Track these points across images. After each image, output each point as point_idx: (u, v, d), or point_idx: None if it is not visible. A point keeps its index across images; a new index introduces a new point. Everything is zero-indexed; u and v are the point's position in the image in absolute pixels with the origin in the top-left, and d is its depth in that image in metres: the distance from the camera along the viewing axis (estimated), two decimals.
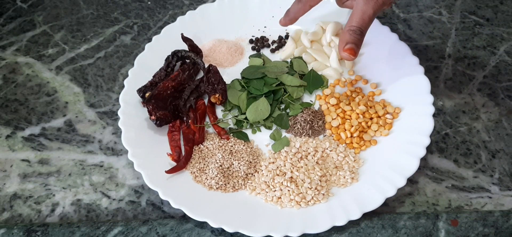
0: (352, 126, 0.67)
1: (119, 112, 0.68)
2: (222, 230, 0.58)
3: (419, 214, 0.60)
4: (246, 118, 0.69)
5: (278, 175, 0.63)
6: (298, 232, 0.57)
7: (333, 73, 0.74)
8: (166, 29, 0.78)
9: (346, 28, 0.59)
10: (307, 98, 0.73)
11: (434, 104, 0.66)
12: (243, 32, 0.81)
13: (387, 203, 0.60)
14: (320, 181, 0.62)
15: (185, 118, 0.68)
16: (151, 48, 0.76)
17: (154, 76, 0.72)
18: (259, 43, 0.79)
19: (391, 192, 0.59)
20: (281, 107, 0.71)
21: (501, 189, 0.63)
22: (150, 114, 0.66)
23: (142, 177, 0.61)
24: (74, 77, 0.77)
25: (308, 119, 0.68)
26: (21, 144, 0.69)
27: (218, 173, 0.63)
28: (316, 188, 0.61)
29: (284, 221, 0.58)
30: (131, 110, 0.69)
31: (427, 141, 0.63)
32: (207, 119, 0.70)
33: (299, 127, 0.68)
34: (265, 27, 0.81)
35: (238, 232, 0.57)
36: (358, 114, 0.68)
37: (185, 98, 0.70)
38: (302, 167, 0.63)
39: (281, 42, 0.80)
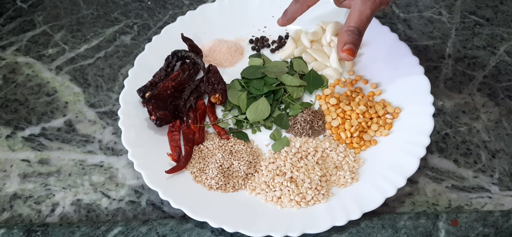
0: (352, 126, 0.67)
1: (119, 112, 0.68)
2: (222, 230, 0.58)
3: (419, 214, 0.60)
4: (246, 118, 0.69)
5: (278, 175, 0.63)
6: (298, 232, 0.57)
7: (333, 73, 0.74)
8: (166, 29, 0.78)
9: (344, 28, 0.59)
10: (307, 98, 0.73)
11: (434, 104, 0.66)
12: (243, 32, 0.81)
13: (387, 203, 0.60)
14: (320, 181, 0.62)
15: (185, 118, 0.68)
16: (151, 48, 0.76)
17: (154, 76, 0.72)
18: (259, 43, 0.79)
19: (391, 192, 0.59)
20: (281, 107, 0.71)
21: (501, 189, 0.63)
22: (150, 114, 0.66)
23: (142, 177, 0.61)
24: (74, 77, 0.77)
25: (308, 119, 0.68)
26: (21, 144, 0.69)
27: (218, 173, 0.63)
28: (316, 188, 0.61)
29: (284, 221, 0.58)
30: (131, 110, 0.69)
31: (427, 141, 0.63)
32: (207, 119, 0.70)
33: (299, 127, 0.68)
34: (265, 27, 0.81)
35: (238, 232, 0.57)
36: (358, 114, 0.68)
37: (185, 98, 0.70)
38: (302, 167, 0.63)
39: (281, 42, 0.80)
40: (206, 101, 0.72)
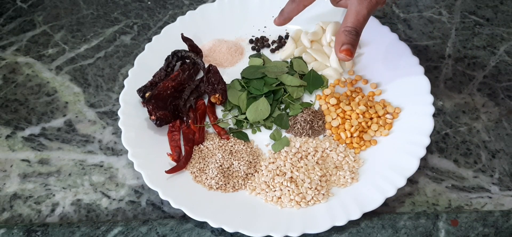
0: (352, 126, 0.67)
1: (119, 112, 0.68)
2: (222, 230, 0.58)
3: (419, 214, 0.60)
4: (246, 118, 0.69)
5: (278, 175, 0.63)
6: (298, 232, 0.57)
7: (333, 73, 0.74)
8: (166, 29, 0.78)
9: (341, 29, 0.59)
10: (307, 98, 0.73)
11: (434, 104, 0.66)
12: (243, 32, 0.81)
13: (387, 203, 0.60)
14: (320, 181, 0.62)
15: (185, 118, 0.68)
16: (151, 48, 0.76)
17: (154, 76, 0.72)
18: (259, 43, 0.79)
19: (391, 192, 0.59)
20: (281, 107, 0.71)
21: (501, 189, 0.63)
22: (150, 114, 0.66)
23: (142, 177, 0.61)
24: (74, 77, 0.77)
25: (308, 119, 0.68)
26: (21, 144, 0.69)
27: (218, 173, 0.63)
28: (316, 188, 0.61)
29: (284, 221, 0.58)
30: (131, 110, 0.69)
31: (427, 141, 0.63)
32: (207, 119, 0.70)
33: (299, 127, 0.68)
34: (265, 27, 0.81)
35: (238, 232, 0.57)
36: (358, 114, 0.68)
37: (185, 98, 0.70)
38: (302, 167, 0.63)
39: (281, 42, 0.80)
40: (206, 101, 0.72)
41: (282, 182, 0.61)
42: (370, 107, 0.69)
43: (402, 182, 0.60)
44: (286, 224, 0.58)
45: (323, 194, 0.61)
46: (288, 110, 0.71)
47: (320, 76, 0.74)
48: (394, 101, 0.70)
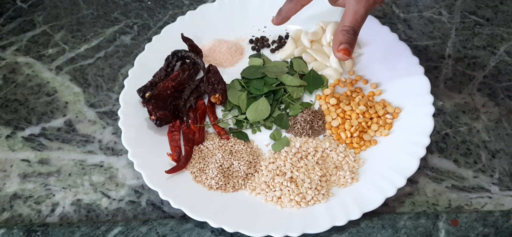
0: (352, 126, 0.67)
1: (119, 112, 0.68)
2: (222, 230, 0.58)
3: (419, 214, 0.60)
4: (246, 118, 0.69)
5: (278, 175, 0.63)
6: (298, 232, 0.57)
7: (333, 73, 0.74)
8: (166, 29, 0.78)
9: (339, 28, 0.59)
10: (307, 98, 0.73)
11: (434, 104, 0.66)
12: (243, 32, 0.81)
13: (387, 203, 0.60)
14: (320, 181, 0.62)
15: (185, 118, 0.68)
16: (151, 48, 0.76)
17: (154, 76, 0.72)
18: (259, 43, 0.79)
19: (391, 192, 0.59)
20: (281, 107, 0.71)
21: (501, 189, 0.63)
22: (150, 114, 0.66)
23: (142, 177, 0.61)
24: (74, 77, 0.77)
25: (308, 119, 0.68)
26: (21, 144, 0.69)
27: (218, 173, 0.63)
28: (316, 188, 0.61)
29: (284, 221, 0.58)
30: (131, 110, 0.69)
31: (427, 141, 0.63)
32: (207, 119, 0.70)
33: (299, 127, 0.68)
34: (265, 27, 0.81)
35: (238, 232, 0.57)
36: (358, 114, 0.68)
37: (185, 98, 0.70)
38: (302, 167, 0.63)
39: (281, 42, 0.80)
40: (206, 101, 0.72)
41: (282, 182, 0.61)
42: (370, 107, 0.69)
43: (402, 182, 0.60)
44: (286, 224, 0.58)
45: (323, 194, 0.61)
46: (288, 110, 0.71)
47: (320, 76, 0.74)
48: (394, 101, 0.70)
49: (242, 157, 0.64)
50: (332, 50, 0.60)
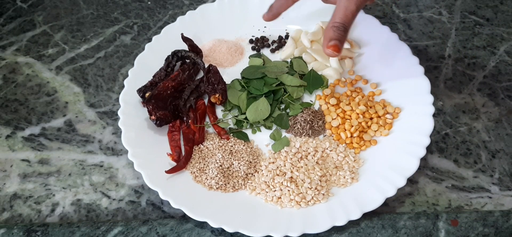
0: (352, 126, 0.67)
1: (119, 112, 0.68)
2: (222, 230, 0.58)
3: (419, 214, 0.60)
4: (246, 118, 0.69)
5: (278, 175, 0.63)
6: (298, 232, 0.57)
7: (333, 73, 0.74)
8: (166, 29, 0.78)
9: (330, 24, 0.59)
10: (307, 98, 0.73)
11: (434, 104, 0.66)
12: (243, 32, 0.81)
13: (387, 203, 0.60)
14: (320, 181, 0.62)
15: (185, 118, 0.68)
16: (151, 48, 0.76)
17: (154, 76, 0.72)
18: (259, 43, 0.79)
19: (391, 192, 0.59)
20: (281, 107, 0.71)
21: (501, 189, 0.63)
22: (150, 114, 0.66)
23: (142, 177, 0.61)
24: (74, 77, 0.77)
25: (308, 119, 0.68)
26: (21, 144, 0.69)
27: (218, 173, 0.63)
28: (316, 188, 0.61)
29: (284, 221, 0.58)
30: (131, 110, 0.69)
31: (427, 141, 0.63)
32: (207, 119, 0.70)
33: (299, 127, 0.68)
34: (265, 27, 0.81)
35: (238, 232, 0.57)
36: (358, 114, 0.68)
37: (185, 98, 0.70)
38: (302, 167, 0.63)
39: (281, 42, 0.80)
40: (206, 101, 0.72)
41: (282, 182, 0.61)
42: (370, 107, 0.69)
43: (402, 182, 0.60)
44: (286, 224, 0.58)
45: (323, 194, 0.61)
46: (288, 110, 0.71)
47: (320, 76, 0.74)
48: (394, 101, 0.70)
49: (242, 157, 0.64)
50: (322, 46, 0.60)
